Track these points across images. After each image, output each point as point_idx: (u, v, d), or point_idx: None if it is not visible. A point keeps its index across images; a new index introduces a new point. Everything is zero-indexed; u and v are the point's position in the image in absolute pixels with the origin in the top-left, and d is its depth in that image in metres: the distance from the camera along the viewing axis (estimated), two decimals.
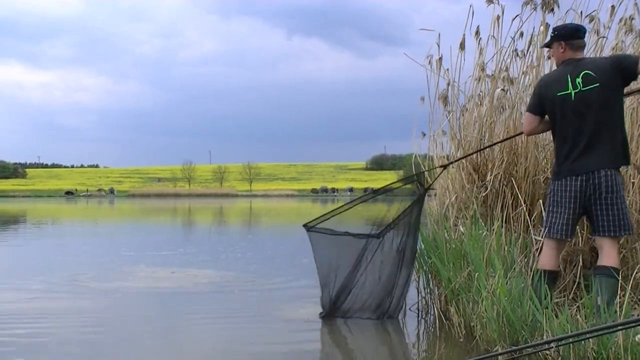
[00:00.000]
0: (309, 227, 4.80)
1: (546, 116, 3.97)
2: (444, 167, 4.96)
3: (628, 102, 4.53)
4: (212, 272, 7.66)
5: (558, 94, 3.81)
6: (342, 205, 4.83)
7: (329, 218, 4.76)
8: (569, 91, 3.78)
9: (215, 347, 4.19)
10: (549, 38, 4.12)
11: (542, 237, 4.11)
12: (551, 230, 3.90)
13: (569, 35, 3.90)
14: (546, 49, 4.48)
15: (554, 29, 4.05)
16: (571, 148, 3.78)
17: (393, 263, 4.64)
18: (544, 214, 4.35)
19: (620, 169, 3.83)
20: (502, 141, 4.74)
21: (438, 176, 4.94)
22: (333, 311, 4.75)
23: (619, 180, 3.72)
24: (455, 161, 5.00)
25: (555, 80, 3.88)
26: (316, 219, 4.78)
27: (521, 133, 4.42)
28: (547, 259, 3.92)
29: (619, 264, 3.75)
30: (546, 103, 3.90)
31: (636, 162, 4.33)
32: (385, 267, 4.65)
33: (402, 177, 4.87)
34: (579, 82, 3.75)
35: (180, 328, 4.82)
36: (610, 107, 3.71)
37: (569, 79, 3.79)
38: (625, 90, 3.87)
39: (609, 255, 3.71)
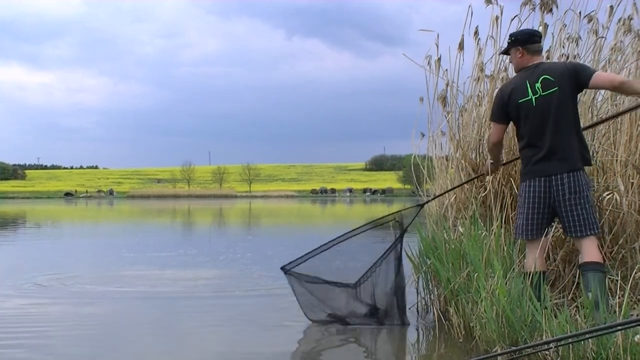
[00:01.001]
0: (286, 271, 4.71)
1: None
2: (421, 206, 4.93)
3: (627, 102, 4.54)
4: (212, 274, 7.68)
5: (520, 101, 3.88)
6: (321, 246, 4.68)
7: (307, 259, 4.67)
8: (530, 97, 3.84)
9: (216, 351, 4.17)
10: (505, 45, 4.18)
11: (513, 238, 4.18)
12: (517, 230, 3.99)
13: (525, 40, 3.97)
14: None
15: (510, 35, 4.12)
16: (535, 151, 3.85)
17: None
18: None
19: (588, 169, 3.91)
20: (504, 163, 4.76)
21: (414, 218, 4.85)
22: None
23: (583, 181, 3.77)
24: (434, 198, 5.04)
25: (515, 88, 3.93)
26: (295, 260, 4.69)
27: None
28: (530, 261, 3.94)
29: (601, 258, 3.77)
30: (510, 111, 3.95)
31: (635, 162, 4.33)
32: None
33: (383, 217, 4.85)
34: (538, 88, 3.82)
35: (180, 332, 4.78)
36: (569, 110, 3.79)
37: (528, 85, 3.85)
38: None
39: (588, 251, 3.74)
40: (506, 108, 3.96)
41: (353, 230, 4.75)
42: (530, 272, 3.84)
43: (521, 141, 3.99)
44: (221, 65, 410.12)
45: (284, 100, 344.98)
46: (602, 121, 4.40)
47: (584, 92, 4.32)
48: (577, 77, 3.76)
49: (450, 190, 4.95)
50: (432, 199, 5.05)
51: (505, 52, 4.18)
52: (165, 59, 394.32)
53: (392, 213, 4.78)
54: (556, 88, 3.77)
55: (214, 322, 5.01)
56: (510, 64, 5.02)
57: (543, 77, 3.81)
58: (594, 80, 3.70)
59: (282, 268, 4.73)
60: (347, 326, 4.60)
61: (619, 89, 3.73)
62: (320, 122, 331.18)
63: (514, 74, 4.15)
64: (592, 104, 4.73)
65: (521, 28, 4.81)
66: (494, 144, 4.18)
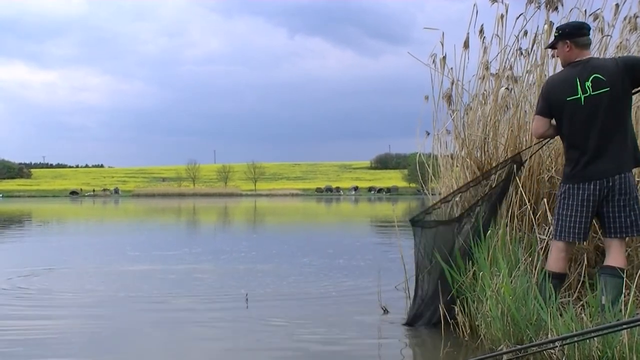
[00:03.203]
0: (414, 222, 4.57)
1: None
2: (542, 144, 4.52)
3: (635, 98, 4.52)
4: (217, 273, 7.69)
5: (568, 99, 3.74)
6: (449, 195, 4.59)
7: (431, 211, 4.61)
8: (579, 96, 3.71)
9: (223, 352, 4.15)
10: (552, 38, 4.04)
11: (550, 239, 4.09)
12: (562, 233, 3.85)
13: (573, 33, 3.82)
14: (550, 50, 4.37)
15: (558, 28, 3.98)
16: (582, 153, 3.74)
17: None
18: (548, 213, 4.34)
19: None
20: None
21: (537, 151, 4.54)
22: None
23: (632, 181, 3.69)
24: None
25: (564, 84, 3.80)
26: (420, 213, 4.61)
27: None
28: (554, 261, 3.88)
29: (626, 264, 3.73)
30: (554, 106, 3.84)
31: None
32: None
33: (498, 163, 4.63)
34: (588, 87, 3.68)
35: (186, 333, 4.72)
36: (620, 111, 3.67)
37: (578, 83, 3.72)
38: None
39: (616, 255, 3.69)
40: (552, 103, 3.85)
41: (472, 180, 4.67)
42: (558, 272, 3.82)
43: (566, 141, 3.88)
44: (224, 63, 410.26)
45: (287, 99, 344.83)
46: None
47: None
48: (633, 73, 3.64)
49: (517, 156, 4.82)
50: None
51: (552, 46, 4.02)
52: (168, 57, 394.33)
53: (513, 156, 4.56)
54: (607, 89, 3.64)
55: (221, 322, 4.98)
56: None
57: (594, 75, 3.67)
58: None
59: (410, 220, 4.62)
60: (348, 321, 4.58)
61: None
62: (324, 121, 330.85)
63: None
64: None
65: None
66: (539, 137, 4.11)
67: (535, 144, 4.50)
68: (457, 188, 4.73)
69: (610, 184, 3.66)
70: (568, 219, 3.81)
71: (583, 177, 3.73)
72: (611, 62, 3.81)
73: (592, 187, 3.71)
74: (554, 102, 3.83)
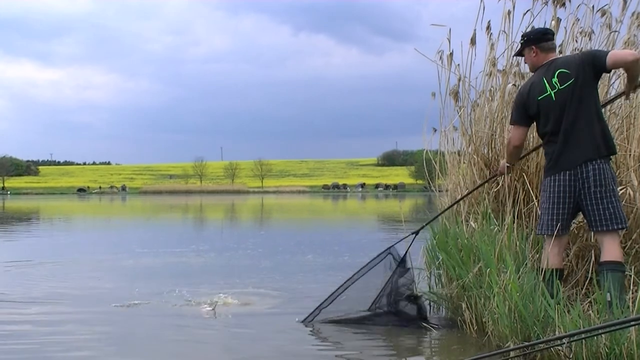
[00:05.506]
0: (307, 323, 4.68)
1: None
2: (416, 232, 4.89)
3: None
4: (223, 270, 7.71)
5: (539, 98, 3.86)
6: (335, 291, 4.73)
7: (327, 306, 4.69)
8: (549, 92, 3.83)
9: (226, 353, 4.14)
10: (518, 46, 4.17)
11: (537, 234, 4.13)
12: (543, 226, 3.93)
13: (538, 39, 3.97)
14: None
15: (523, 35, 4.13)
16: (554, 145, 3.83)
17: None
18: None
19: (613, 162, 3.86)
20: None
21: (410, 246, 4.82)
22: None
23: (609, 173, 3.73)
24: (429, 222, 5.00)
25: (533, 87, 3.92)
26: (311, 314, 4.70)
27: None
28: (550, 257, 3.89)
29: (622, 257, 3.73)
30: (530, 109, 3.94)
31: None
32: None
33: (377, 255, 4.86)
34: (555, 82, 3.81)
35: (188, 335, 4.64)
36: (586, 100, 3.76)
37: (546, 82, 3.84)
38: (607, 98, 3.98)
39: (609, 249, 3.70)
40: (527, 107, 3.94)
41: (353, 275, 4.81)
42: (552, 269, 3.81)
43: (543, 138, 3.98)
44: (228, 61, 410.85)
45: (293, 96, 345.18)
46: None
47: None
48: (593, 64, 3.72)
49: (459, 200, 4.96)
50: (429, 222, 5.01)
51: (519, 53, 4.17)
52: (173, 55, 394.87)
53: (384, 251, 4.81)
54: (572, 79, 3.75)
55: (223, 322, 4.93)
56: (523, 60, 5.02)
57: (559, 71, 3.80)
58: (608, 60, 3.64)
59: (302, 321, 4.70)
60: (360, 324, 4.60)
61: (631, 67, 3.62)
62: (331, 118, 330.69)
63: (530, 74, 4.13)
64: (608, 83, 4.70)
65: (533, 24, 4.80)
66: (516, 147, 4.16)
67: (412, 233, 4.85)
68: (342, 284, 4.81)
69: (584, 174, 3.71)
70: (546, 211, 3.89)
71: (556, 168, 3.82)
72: (574, 56, 3.96)
73: (565, 177, 3.78)
74: (529, 106, 3.94)
